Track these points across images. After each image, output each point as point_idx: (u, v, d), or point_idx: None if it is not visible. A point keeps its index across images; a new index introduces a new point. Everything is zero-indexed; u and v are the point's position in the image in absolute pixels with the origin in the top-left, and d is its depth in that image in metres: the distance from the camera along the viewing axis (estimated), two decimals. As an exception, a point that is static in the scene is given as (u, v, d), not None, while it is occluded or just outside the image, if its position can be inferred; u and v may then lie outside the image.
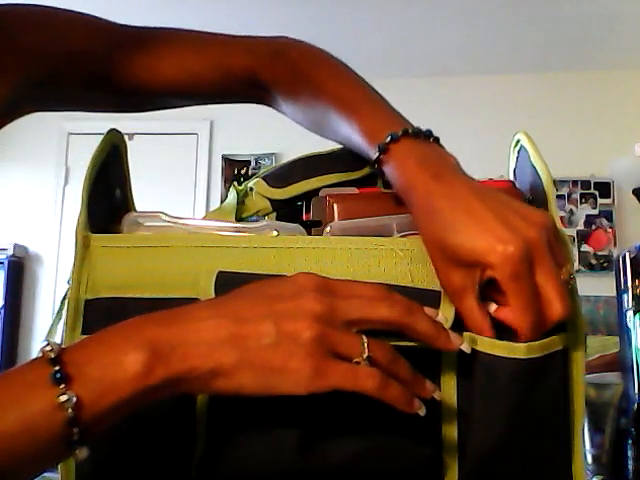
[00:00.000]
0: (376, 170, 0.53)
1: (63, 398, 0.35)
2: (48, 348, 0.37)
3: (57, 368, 0.36)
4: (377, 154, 0.52)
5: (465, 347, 0.45)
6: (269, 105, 0.67)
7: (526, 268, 0.44)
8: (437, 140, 0.53)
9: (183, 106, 0.69)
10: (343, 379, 0.40)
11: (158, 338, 0.38)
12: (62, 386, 0.36)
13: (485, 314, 0.45)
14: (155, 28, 0.65)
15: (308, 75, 0.62)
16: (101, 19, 0.63)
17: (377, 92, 0.60)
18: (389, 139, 0.52)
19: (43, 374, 0.36)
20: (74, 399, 0.36)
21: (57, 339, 0.51)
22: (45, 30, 0.59)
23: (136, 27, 0.65)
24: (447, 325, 0.45)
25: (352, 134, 0.56)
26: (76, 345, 0.39)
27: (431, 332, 0.43)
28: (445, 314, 0.45)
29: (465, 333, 0.46)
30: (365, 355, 0.40)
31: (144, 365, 0.37)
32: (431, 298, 0.46)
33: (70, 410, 0.35)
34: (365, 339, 0.41)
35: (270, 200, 0.60)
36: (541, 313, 0.44)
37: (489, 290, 0.45)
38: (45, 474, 0.55)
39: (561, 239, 0.47)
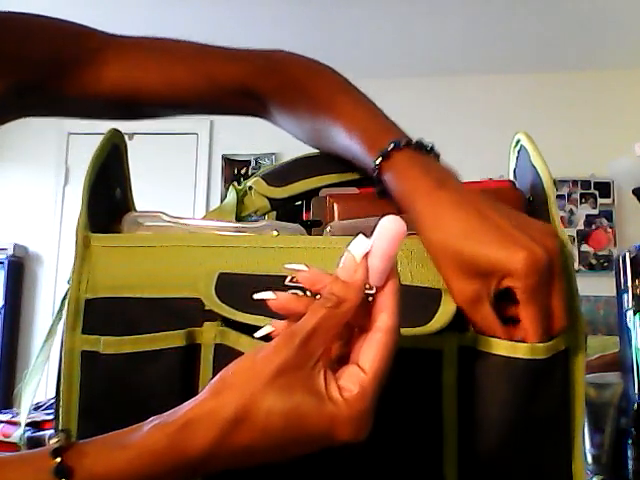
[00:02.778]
0: (375, 177, 0.52)
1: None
2: (54, 440, 0.37)
3: (59, 460, 0.36)
4: (379, 159, 0.51)
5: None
6: (263, 117, 0.66)
7: (547, 279, 0.43)
8: (438, 156, 0.52)
9: (175, 115, 0.69)
10: None
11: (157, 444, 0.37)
12: None
13: (498, 321, 0.45)
14: (141, 37, 0.64)
15: (304, 87, 0.61)
16: (84, 26, 0.63)
17: (374, 103, 0.59)
18: (392, 146, 0.51)
19: (45, 465, 0.36)
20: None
21: (57, 339, 0.51)
22: (31, 37, 0.59)
23: (123, 36, 0.63)
24: (447, 320, 0.45)
25: (351, 144, 0.55)
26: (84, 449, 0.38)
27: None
28: (446, 312, 0.45)
29: (468, 333, 0.46)
30: None
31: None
32: (431, 297, 0.46)
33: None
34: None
35: (269, 199, 0.60)
36: (549, 325, 0.44)
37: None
38: None
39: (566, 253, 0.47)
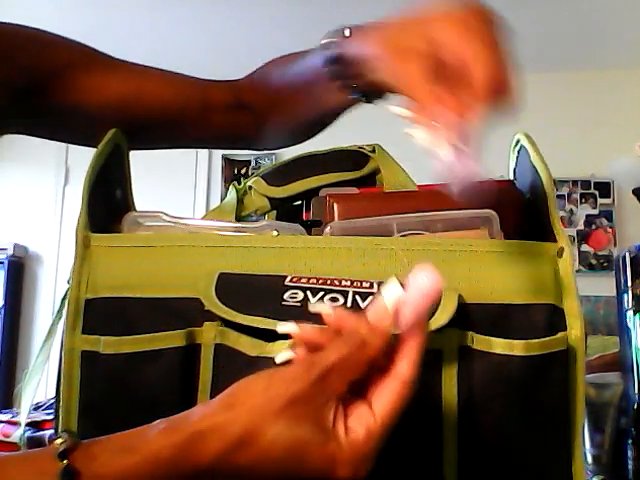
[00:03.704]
0: (332, 58, 0.54)
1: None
2: (59, 440, 0.36)
3: (65, 463, 0.35)
4: (331, 38, 0.54)
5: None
6: (247, 133, 0.68)
7: (476, 23, 0.45)
8: None
9: (165, 140, 0.70)
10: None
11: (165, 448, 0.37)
12: None
13: (431, 88, 0.43)
14: (132, 62, 0.66)
15: (274, 79, 0.64)
16: (79, 42, 0.64)
17: None
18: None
19: (51, 467, 0.35)
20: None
21: (57, 339, 0.51)
22: (24, 44, 0.60)
23: (108, 55, 0.65)
24: (448, 318, 0.45)
25: (307, 63, 0.58)
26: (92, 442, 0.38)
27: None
28: (445, 312, 0.45)
29: (468, 333, 0.46)
30: None
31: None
32: (431, 298, 0.46)
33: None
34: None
35: (269, 198, 0.60)
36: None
37: None
38: None
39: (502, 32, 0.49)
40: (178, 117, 0.64)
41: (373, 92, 0.54)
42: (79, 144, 0.66)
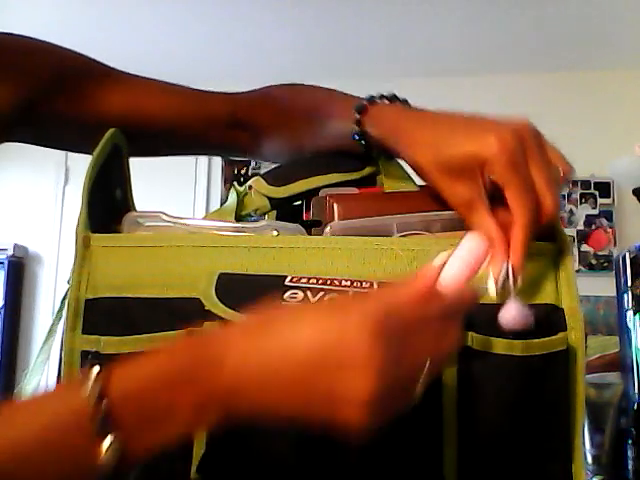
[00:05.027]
0: (359, 133, 0.56)
1: (104, 443, 0.33)
2: (92, 381, 0.35)
3: (101, 415, 0.34)
4: (356, 114, 0.55)
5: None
6: (245, 150, 0.69)
7: (520, 155, 0.45)
8: (410, 105, 0.57)
9: (168, 150, 0.71)
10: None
11: (208, 386, 0.35)
12: (104, 432, 0.34)
13: (493, 220, 0.46)
14: (133, 74, 0.67)
15: (293, 106, 0.65)
16: (88, 56, 0.65)
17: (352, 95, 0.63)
18: (365, 101, 0.55)
19: (84, 412, 0.34)
20: (115, 445, 0.34)
21: (57, 339, 0.51)
22: (39, 55, 0.61)
23: (109, 67, 0.66)
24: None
25: (333, 125, 0.59)
26: (123, 379, 0.36)
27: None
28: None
29: (468, 333, 0.46)
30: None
31: (194, 410, 0.35)
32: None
33: (109, 453, 0.33)
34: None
35: (269, 198, 0.60)
36: (537, 203, 0.46)
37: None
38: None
39: (548, 141, 0.49)
40: (177, 130, 0.65)
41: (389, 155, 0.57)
42: (81, 152, 0.66)
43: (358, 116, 0.55)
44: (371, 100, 0.56)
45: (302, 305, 0.38)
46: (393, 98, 0.57)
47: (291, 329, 0.36)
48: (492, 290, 0.45)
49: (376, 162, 0.59)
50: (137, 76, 0.65)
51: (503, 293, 0.45)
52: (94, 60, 0.64)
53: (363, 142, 0.57)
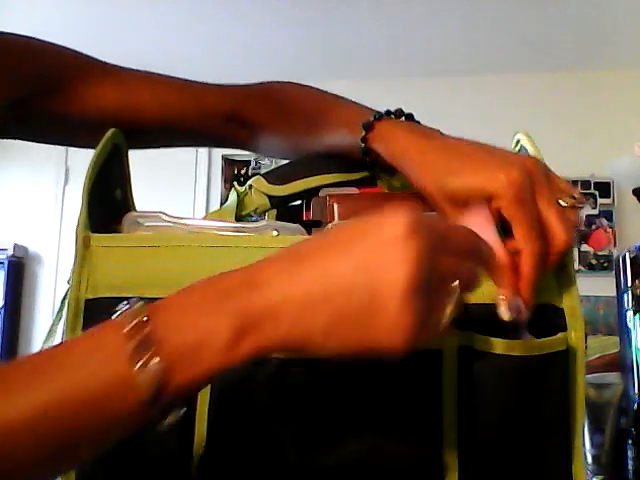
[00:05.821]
0: (364, 150, 0.56)
1: (145, 367, 0.33)
2: (127, 309, 0.35)
3: (140, 338, 0.34)
4: (363, 132, 0.55)
5: None
6: (243, 145, 0.69)
7: (528, 191, 0.45)
8: (418, 122, 0.57)
9: (164, 143, 0.71)
10: (438, 333, 0.37)
11: (248, 306, 0.35)
12: (145, 353, 0.33)
13: (504, 249, 0.46)
14: (130, 68, 0.66)
15: (294, 106, 0.65)
16: (80, 52, 0.65)
17: (354, 102, 0.63)
18: (373, 118, 0.55)
19: (123, 339, 0.34)
20: (156, 368, 0.33)
21: (57, 339, 0.51)
22: (28, 54, 0.61)
23: (109, 63, 0.65)
24: (448, 319, 0.45)
25: (336, 134, 0.59)
26: (162, 305, 0.36)
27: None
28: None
29: (468, 333, 0.46)
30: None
31: (235, 334, 0.34)
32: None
33: (151, 379, 0.33)
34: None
35: (269, 197, 0.60)
36: (546, 241, 0.46)
37: None
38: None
39: (554, 175, 0.49)
40: (173, 123, 0.65)
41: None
42: (78, 146, 0.66)
43: (364, 132, 0.55)
44: (379, 117, 0.55)
45: (335, 230, 0.38)
46: (400, 114, 0.57)
47: (330, 253, 0.36)
48: (505, 314, 0.45)
49: (373, 169, 0.60)
50: (133, 70, 0.65)
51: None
52: (87, 56, 0.64)
53: (368, 159, 0.57)
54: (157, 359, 0.33)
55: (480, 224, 0.44)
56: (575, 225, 0.47)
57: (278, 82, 0.68)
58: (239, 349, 0.34)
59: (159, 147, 0.71)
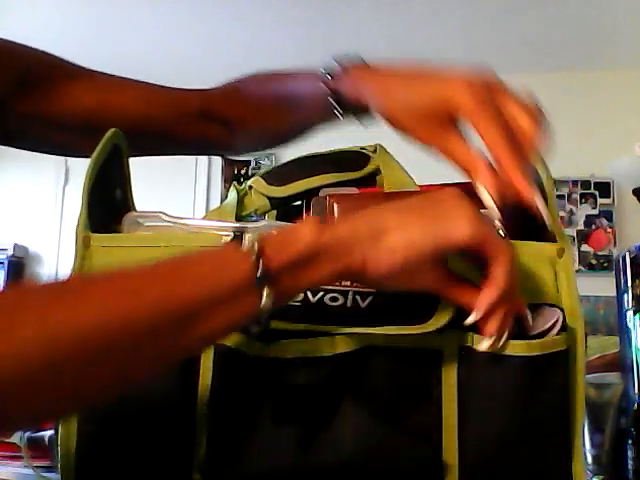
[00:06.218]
0: (330, 94, 0.59)
1: (263, 294, 0.38)
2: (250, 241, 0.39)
3: (261, 273, 0.38)
4: (326, 77, 0.59)
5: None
6: (221, 143, 0.70)
7: (486, 91, 0.48)
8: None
9: (139, 148, 0.71)
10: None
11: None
12: (263, 284, 0.38)
13: (475, 153, 0.49)
14: (93, 70, 0.68)
15: (257, 95, 0.68)
16: (54, 55, 0.66)
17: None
18: (333, 66, 0.59)
19: (246, 269, 0.38)
20: (270, 296, 0.38)
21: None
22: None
23: (74, 64, 0.67)
24: (446, 320, 0.45)
25: (303, 98, 0.63)
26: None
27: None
28: (445, 311, 0.45)
29: (468, 333, 0.46)
30: None
31: (316, 231, 0.39)
32: (431, 296, 0.46)
33: (265, 303, 0.38)
34: None
35: (269, 198, 0.60)
36: (514, 137, 0.48)
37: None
38: (45, 474, 0.55)
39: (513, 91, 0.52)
40: (147, 125, 0.66)
41: (365, 116, 0.60)
42: (49, 153, 0.67)
43: (329, 78, 0.59)
44: (338, 62, 0.59)
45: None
46: (357, 60, 0.60)
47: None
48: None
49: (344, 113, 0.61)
50: (106, 74, 0.66)
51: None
52: (60, 58, 0.65)
53: (337, 103, 0.59)
54: (271, 290, 0.38)
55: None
56: (538, 114, 0.51)
57: (244, 77, 0.70)
58: (320, 238, 0.39)
59: (133, 156, 0.71)
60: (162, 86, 0.68)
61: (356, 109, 0.59)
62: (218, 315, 0.37)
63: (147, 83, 0.67)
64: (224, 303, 0.37)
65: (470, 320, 0.43)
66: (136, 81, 0.67)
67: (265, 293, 0.38)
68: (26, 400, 0.32)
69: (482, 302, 0.43)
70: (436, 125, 0.50)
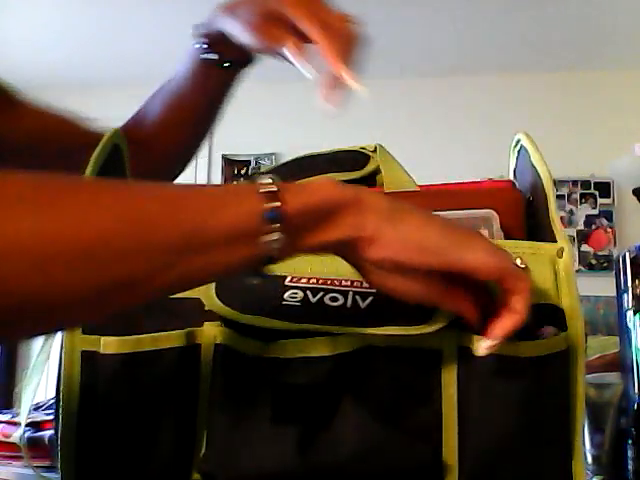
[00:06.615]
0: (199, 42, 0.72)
1: (272, 237, 0.37)
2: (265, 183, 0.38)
3: (274, 216, 0.37)
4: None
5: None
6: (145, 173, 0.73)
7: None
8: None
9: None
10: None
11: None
12: (275, 228, 0.37)
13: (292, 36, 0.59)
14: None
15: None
16: None
17: None
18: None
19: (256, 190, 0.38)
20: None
21: (57, 339, 0.51)
22: None
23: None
24: (446, 320, 0.45)
25: (182, 64, 0.73)
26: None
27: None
28: (445, 312, 0.45)
29: (467, 333, 0.46)
30: None
31: (338, 189, 0.39)
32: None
33: (274, 247, 0.37)
34: None
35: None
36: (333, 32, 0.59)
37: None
38: (45, 474, 0.55)
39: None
40: (62, 142, 0.70)
41: (244, 59, 0.70)
42: None
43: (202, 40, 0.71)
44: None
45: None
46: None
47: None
48: (484, 348, 0.44)
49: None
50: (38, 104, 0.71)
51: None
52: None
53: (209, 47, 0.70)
54: (283, 236, 0.37)
55: None
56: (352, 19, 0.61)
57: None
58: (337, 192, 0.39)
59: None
60: (79, 121, 0.73)
61: (229, 42, 0.67)
62: (220, 250, 0.36)
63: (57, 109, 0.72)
64: (230, 238, 0.36)
65: (484, 349, 0.43)
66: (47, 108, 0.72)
67: (275, 236, 0.36)
68: (36, 291, 0.31)
69: (499, 331, 0.42)
70: (270, 27, 0.61)
